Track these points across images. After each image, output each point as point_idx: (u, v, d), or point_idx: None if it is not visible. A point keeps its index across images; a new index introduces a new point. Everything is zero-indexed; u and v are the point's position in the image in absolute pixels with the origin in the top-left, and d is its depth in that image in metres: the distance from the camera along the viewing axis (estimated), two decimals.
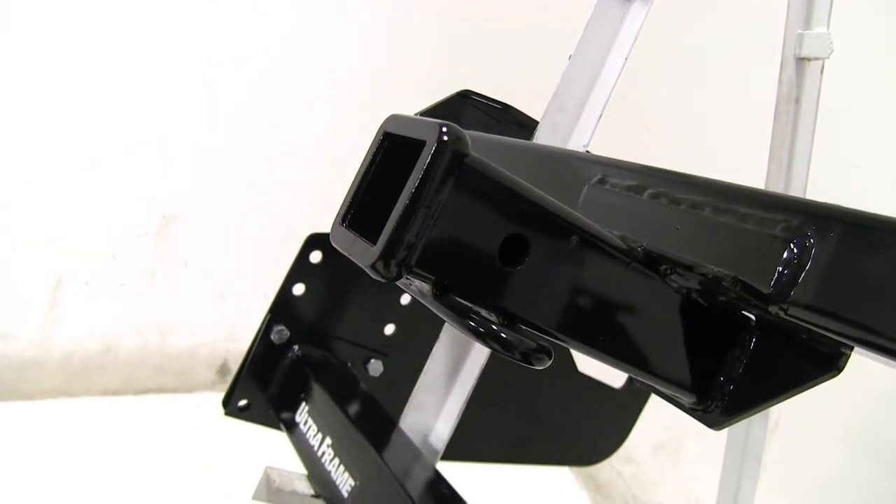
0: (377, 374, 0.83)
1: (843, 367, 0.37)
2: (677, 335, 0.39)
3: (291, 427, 0.73)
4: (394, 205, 0.32)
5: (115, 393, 2.09)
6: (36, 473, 1.46)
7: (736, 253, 0.36)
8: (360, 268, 0.86)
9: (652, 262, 0.38)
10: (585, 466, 1.16)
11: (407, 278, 0.31)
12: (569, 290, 0.35)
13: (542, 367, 0.31)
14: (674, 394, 0.40)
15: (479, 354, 0.69)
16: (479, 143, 0.36)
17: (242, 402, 0.78)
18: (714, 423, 0.41)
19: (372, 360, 0.83)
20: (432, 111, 0.78)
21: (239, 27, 2.15)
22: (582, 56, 0.68)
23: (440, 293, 0.32)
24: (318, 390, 0.72)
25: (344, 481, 0.60)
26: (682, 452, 1.96)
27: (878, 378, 1.33)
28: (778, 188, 0.86)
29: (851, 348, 0.36)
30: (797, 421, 1.43)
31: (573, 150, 0.64)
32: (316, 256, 0.78)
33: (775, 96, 0.86)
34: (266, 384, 0.78)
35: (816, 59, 0.83)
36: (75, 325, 2.02)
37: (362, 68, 2.27)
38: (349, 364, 0.82)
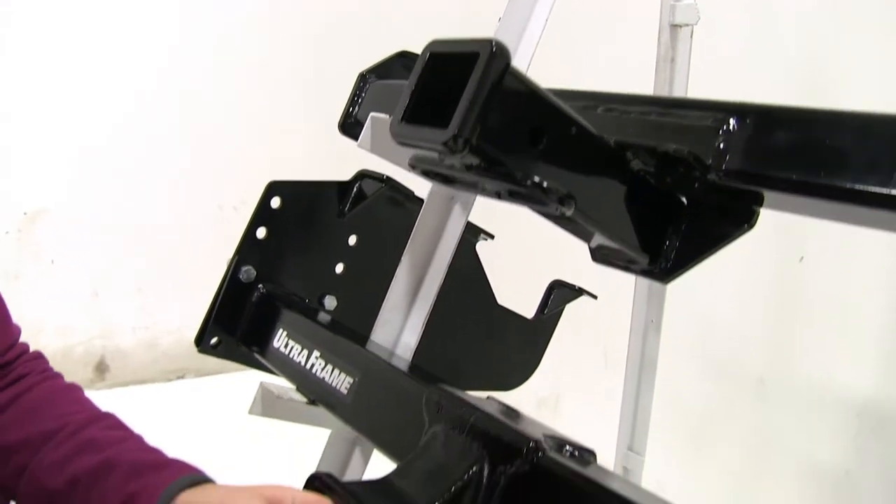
0: (332, 309, 0.92)
1: (755, 223, 0.51)
2: (637, 209, 0.52)
3: (269, 353, 0.80)
4: (442, 105, 0.43)
5: None
6: None
7: (682, 140, 0.49)
8: (313, 213, 0.93)
9: (620, 150, 0.50)
10: (505, 391, 1.29)
11: (464, 156, 0.42)
12: (570, 165, 0.47)
13: (569, 213, 0.43)
14: (634, 255, 0.54)
15: (437, 275, 0.79)
16: None
17: (214, 340, 0.84)
18: (663, 277, 0.54)
19: (327, 297, 0.92)
20: (374, 69, 0.88)
21: (114, 26, 2.14)
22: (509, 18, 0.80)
23: (488, 166, 0.43)
24: (292, 315, 0.80)
25: (341, 382, 0.69)
26: (562, 405, 2.16)
27: (736, 318, 1.56)
28: None
29: (760, 204, 0.50)
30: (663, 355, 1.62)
31: None
32: (276, 202, 0.86)
33: (655, 57, 1.03)
34: (236, 321, 0.85)
35: (686, 25, 1.00)
36: None
37: (237, 70, 2.31)
38: (307, 301, 0.90)
